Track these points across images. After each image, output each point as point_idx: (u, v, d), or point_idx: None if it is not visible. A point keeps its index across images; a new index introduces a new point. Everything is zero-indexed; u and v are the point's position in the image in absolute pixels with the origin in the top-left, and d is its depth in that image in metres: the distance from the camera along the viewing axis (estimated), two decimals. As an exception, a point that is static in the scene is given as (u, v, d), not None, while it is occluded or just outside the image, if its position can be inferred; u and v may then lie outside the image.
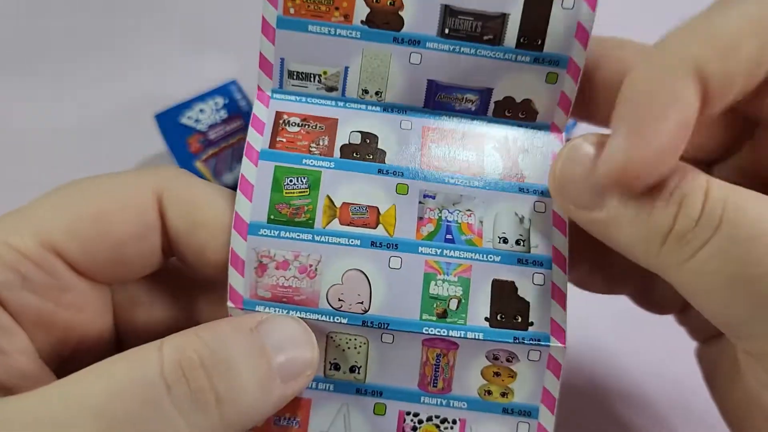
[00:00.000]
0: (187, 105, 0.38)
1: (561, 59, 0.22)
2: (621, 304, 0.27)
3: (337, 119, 0.23)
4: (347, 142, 0.22)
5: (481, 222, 0.22)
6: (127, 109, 0.41)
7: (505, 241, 0.22)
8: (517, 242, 0.22)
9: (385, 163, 0.22)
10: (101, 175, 0.22)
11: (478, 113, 0.23)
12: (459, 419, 0.22)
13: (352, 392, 0.22)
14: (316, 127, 0.22)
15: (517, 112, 0.23)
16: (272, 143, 0.22)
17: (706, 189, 0.19)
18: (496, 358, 0.21)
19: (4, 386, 0.19)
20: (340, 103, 0.23)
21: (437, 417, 0.22)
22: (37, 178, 0.39)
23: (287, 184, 0.22)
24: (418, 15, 0.22)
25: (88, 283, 0.21)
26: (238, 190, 0.21)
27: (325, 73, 0.23)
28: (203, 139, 0.37)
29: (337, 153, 0.22)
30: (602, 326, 0.26)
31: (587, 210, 0.20)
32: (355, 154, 0.22)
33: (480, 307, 0.21)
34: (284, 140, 0.22)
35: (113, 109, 0.41)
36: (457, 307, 0.21)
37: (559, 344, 0.21)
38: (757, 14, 0.18)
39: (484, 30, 0.22)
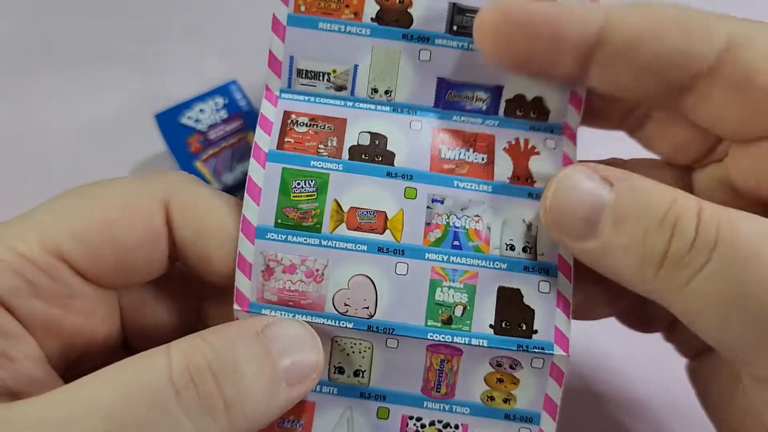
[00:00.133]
0: (187, 105, 0.37)
1: None
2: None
3: (346, 119, 0.22)
4: (356, 143, 0.22)
5: (489, 228, 0.22)
6: (127, 109, 0.41)
7: (512, 248, 0.22)
8: (524, 249, 0.22)
9: (394, 165, 0.22)
10: (108, 181, 0.21)
11: (489, 113, 0.23)
12: (461, 424, 0.22)
13: (356, 396, 0.22)
14: (324, 128, 0.22)
15: (528, 111, 0.23)
16: (280, 144, 0.22)
17: (698, 210, 0.19)
18: (499, 365, 0.22)
19: (12, 392, 0.19)
20: (349, 103, 0.22)
21: (440, 422, 0.22)
22: (38, 178, 0.39)
23: (295, 187, 0.22)
24: (426, 12, 0.22)
25: (94, 288, 0.21)
26: (245, 193, 0.21)
27: (334, 71, 0.22)
28: (203, 139, 0.37)
29: (345, 154, 0.22)
30: (602, 328, 0.26)
31: (581, 240, 0.20)
32: (363, 156, 0.22)
33: (485, 314, 0.21)
34: (292, 141, 0.22)
35: (113, 109, 0.41)
36: (462, 313, 0.21)
37: (563, 353, 0.21)
38: None
39: None
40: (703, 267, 0.18)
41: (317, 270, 0.21)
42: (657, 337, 0.26)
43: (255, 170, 0.22)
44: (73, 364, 0.22)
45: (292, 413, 0.22)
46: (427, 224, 0.22)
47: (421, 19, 0.22)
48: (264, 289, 0.21)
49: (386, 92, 0.22)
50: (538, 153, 0.22)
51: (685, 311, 0.19)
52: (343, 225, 0.21)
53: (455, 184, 0.22)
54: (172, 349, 0.18)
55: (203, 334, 0.19)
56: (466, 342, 0.21)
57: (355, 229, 0.21)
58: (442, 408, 0.22)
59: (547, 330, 0.21)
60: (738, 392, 0.22)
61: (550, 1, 0.20)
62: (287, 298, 0.21)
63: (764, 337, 0.18)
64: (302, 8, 0.22)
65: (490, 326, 0.21)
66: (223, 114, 0.37)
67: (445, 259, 0.21)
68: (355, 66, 0.22)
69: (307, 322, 0.21)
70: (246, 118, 0.37)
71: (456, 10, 0.22)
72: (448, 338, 0.21)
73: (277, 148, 0.22)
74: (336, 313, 0.21)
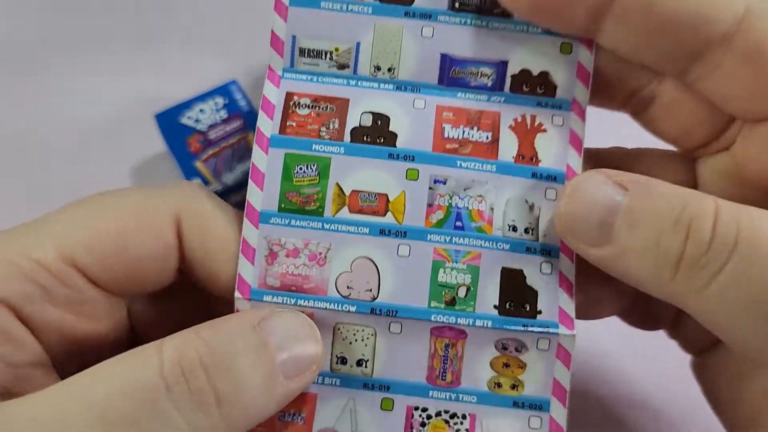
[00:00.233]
0: (187, 105, 0.37)
1: None
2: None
3: (348, 99, 0.22)
4: (358, 125, 0.22)
5: (492, 209, 0.22)
6: (127, 109, 0.41)
7: (515, 229, 0.22)
8: (526, 230, 0.22)
9: (396, 146, 0.22)
10: (122, 191, 0.22)
11: (495, 89, 0.22)
12: (469, 414, 0.22)
13: (359, 387, 0.22)
14: (326, 109, 0.22)
15: (535, 87, 0.22)
16: (282, 128, 0.22)
17: (716, 211, 0.18)
18: (505, 348, 0.21)
19: (13, 395, 0.19)
20: (352, 82, 0.22)
21: (446, 412, 0.22)
22: (38, 178, 0.39)
23: (297, 172, 0.22)
24: None
25: (105, 294, 0.21)
26: (249, 179, 0.21)
27: (336, 49, 0.22)
28: (203, 139, 0.37)
29: (347, 137, 0.22)
30: (602, 325, 0.26)
31: (596, 246, 0.20)
32: (365, 138, 0.22)
33: (489, 295, 0.21)
34: (294, 124, 0.22)
35: (113, 109, 0.41)
36: (466, 294, 0.21)
37: (569, 331, 0.21)
38: None
39: (493, 4, 0.22)
40: (723, 268, 0.18)
41: (320, 253, 0.21)
42: (655, 334, 0.26)
43: (258, 156, 0.22)
44: (80, 368, 0.22)
45: (292, 406, 0.22)
46: (429, 205, 0.22)
47: None
48: (267, 274, 0.21)
49: (389, 70, 0.22)
50: (545, 130, 0.22)
51: (705, 314, 0.19)
52: (345, 208, 0.21)
53: (458, 164, 0.22)
54: (164, 345, 0.18)
55: (197, 328, 0.19)
56: (471, 323, 0.21)
57: (357, 212, 0.21)
58: (448, 397, 0.22)
59: (551, 310, 0.21)
60: (746, 387, 0.21)
61: None
62: (290, 283, 0.21)
63: None
64: None
65: (495, 307, 0.21)
66: (223, 114, 0.37)
67: (447, 240, 0.21)
68: (358, 44, 0.22)
69: (310, 306, 0.21)
70: (246, 118, 0.37)
71: None
72: (452, 319, 0.21)
73: (280, 132, 0.22)
74: (339, 296, 0.21)
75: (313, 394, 0.22)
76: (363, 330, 0.21)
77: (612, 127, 0.26)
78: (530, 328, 0.21)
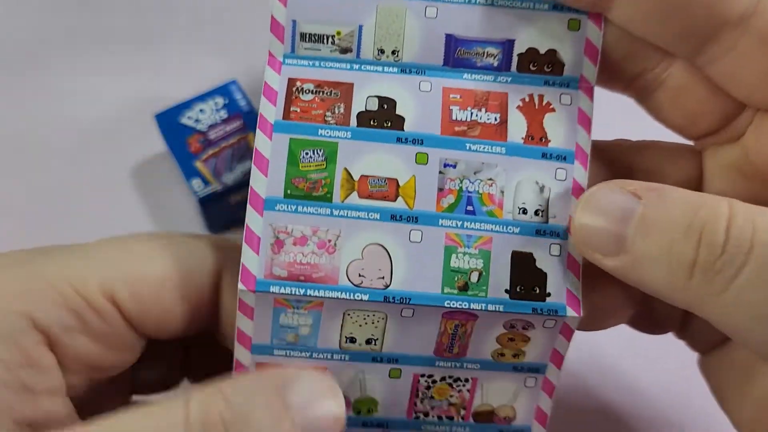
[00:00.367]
0: (187, 105, 0.37)
1: None
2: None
3: (353, 84, 0.22)
4: (364, 109, 0.21)
5: (502, 192, 0.21)
6: (127, 109, 0.41)
7: (525, 212, 0.21)
8: (536, 213, 0.21)
9: (403, 130, 0.21)
10: (170, 236, 0.22)
11: (501, 69, 0.22)
12: (471, 378, 0.22)
13: (368, 360, 0.22)
14: (330, 94, 0.22)
15: (542, 65, 0.22)
16: (286, 114, 0.21)
17: (729, 214, 0.18)
18: (512, 327, 0.21)
19: (31, 424, 0.19)
20: (356, 66, 0.22)
21: (450, 377, 0.22)
22: (38, 178, 0.39)
23: (303, 157, 0.21)
24: None
25: (134, 332, 0.22)
26: (252, 165, 0.21)
27: (338, 33, 0.22)
28: (203, 139, 0.37)
29: (353, 121, 0.21)
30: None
31: (612, 256, 0.20)
32: (372, 122, 0.21)
33: (500, 279, 0.21)
34: (298, 110, 0.21)
35: (113, 109, 0.41)
36: (479, 279, 0.21)
37: (575, 314, 0.21)
38: None
39: None
40: (740, 272, 0.17)
41: (329, 240, 0.21)
42: (655, 336, 0.26)
43: (261, 141, 0.21)
44: (87, 392, 0.22)
45: None
46: (440, 190, 0.21)
47: None
48: (273, 264, 0.21)
49: (393, 52, 0.22)
50: (553, 110, 0.22)
51: (722, 318, 0.19)
52: (355, 194, 0.21)
53: (467, 147, 0.21)
54: (191, 402, 0.18)
55: (222, 386, 0.19)
56: (483, 308, 0.21)
57: (367, 197, 0.21)
58: (453, 365, 0.22)
59: (559, 292, 0.21)
60: (753, 385, 0.21)
61: None
62: (298, 272, 0.21)
63: None
64: None
65: (506, 291, 0.21)
66: (223, 114, 0.37)
67: (459, 225, 0.21)
68: (360, 27, 0.22)
69: (321, 296, 0.21)
70: (246, 118, 0.37)
71: None
72: (465, 305, 0.21)
73: (283, 118, 0.21)
74: (350, 285, 0.21)
75: (323, 367, 0.22)
76: (374, 315, 0.21)
77: (612, 119, 0.25)
78: (540, 313, 0.21)
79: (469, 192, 0.21)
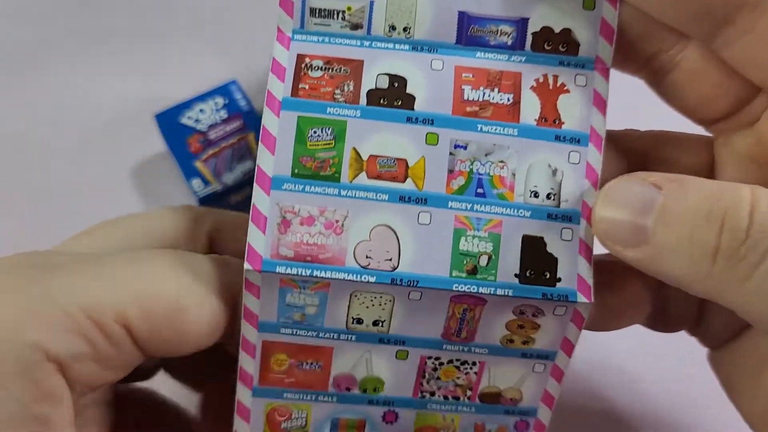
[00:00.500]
0: (187, 105, 0.37)
1: None
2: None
3: (363, 60, 0.21)
4: (374, 87, 0.21)
5: (514, 175, 0.21)
6: (127, 109, 0.41)
7: (536, 195, 0.21)
8: (548, 196, 0.21)
9: (414, 109, 0.21)
10: (183, 255, 0.22)
11: (515, 48, 0.21)
12: (479, 362, 0.22)
13: (375, 341, 0.21)
14: (340, 71, 0.21)
15: (557, 45, 0.21)
16: (294, 91, 0.21)
17: (752, 199, 0.18)
18: (522, 313, 0.21)
19: None
20: (366, 42, 0.21)
21: (458, 360, 0.22)
22: (38, 178, 0.39)
23: (311, 135, 0.21)
24: None
25: (141, 353, 0.21)
26: (259, 142, 0.20)
27: (349, 8, 0.21)
28: (203, 139, 0.37)
29: (363, 99, 0.21)
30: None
31: (633, 247, 0.19)
32: (382, 100, 0.21)
33: (510, 263, 0.21)
34: (307, 87, 0.21)
35: (113, 109, 0.41)
36: (488, 263, 0.20)
37: (585, 300, 0.21)
38: None
39: None
40: (765, 258, 0.17)
41: (337, 221, 0.20)
42: (660, 333, 0.26)
43: (269, 119, 0.21)
44: (85, 404, 0.22)
45: (310, 356, 0.21)
46: (450, 171, 0.21)
47: None
48: (280, 244, 0.20)
49: (404, 29, 0.21)
50: (567, 91, 0.21)
51: (747, 308, 0.18)
52: (363, 174, 0.20)
53: (479, 128, 0.21)
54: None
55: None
56: (492, 292, 0.20)
57: (376, 178, 0.20)
58: (461, 349, 0.22)
59: (570, 278, 0.21)
60: (765, 378, 0.21)
61: None
62: (305, 253, 0.20)
63: None
64: None
65: (515, 275, 0.20)
66: (223, 114, 0.37)
67: (468, 208, 0.21)
68: (371, 2, 0.21)
69: (327, 277, 0.20)
70: (246, 118, 0.37)
71: None
72: (474, 289, 0.20)
73: (291, 95, 0.21)
74: (357, 266, 0.20)
75: (330, 347, 0.21)
76: (381, 296, 0.21)
77: (621, 109, 0.25)
78: (549, 298, 0.20)
79: (479, 174, 0.21)
